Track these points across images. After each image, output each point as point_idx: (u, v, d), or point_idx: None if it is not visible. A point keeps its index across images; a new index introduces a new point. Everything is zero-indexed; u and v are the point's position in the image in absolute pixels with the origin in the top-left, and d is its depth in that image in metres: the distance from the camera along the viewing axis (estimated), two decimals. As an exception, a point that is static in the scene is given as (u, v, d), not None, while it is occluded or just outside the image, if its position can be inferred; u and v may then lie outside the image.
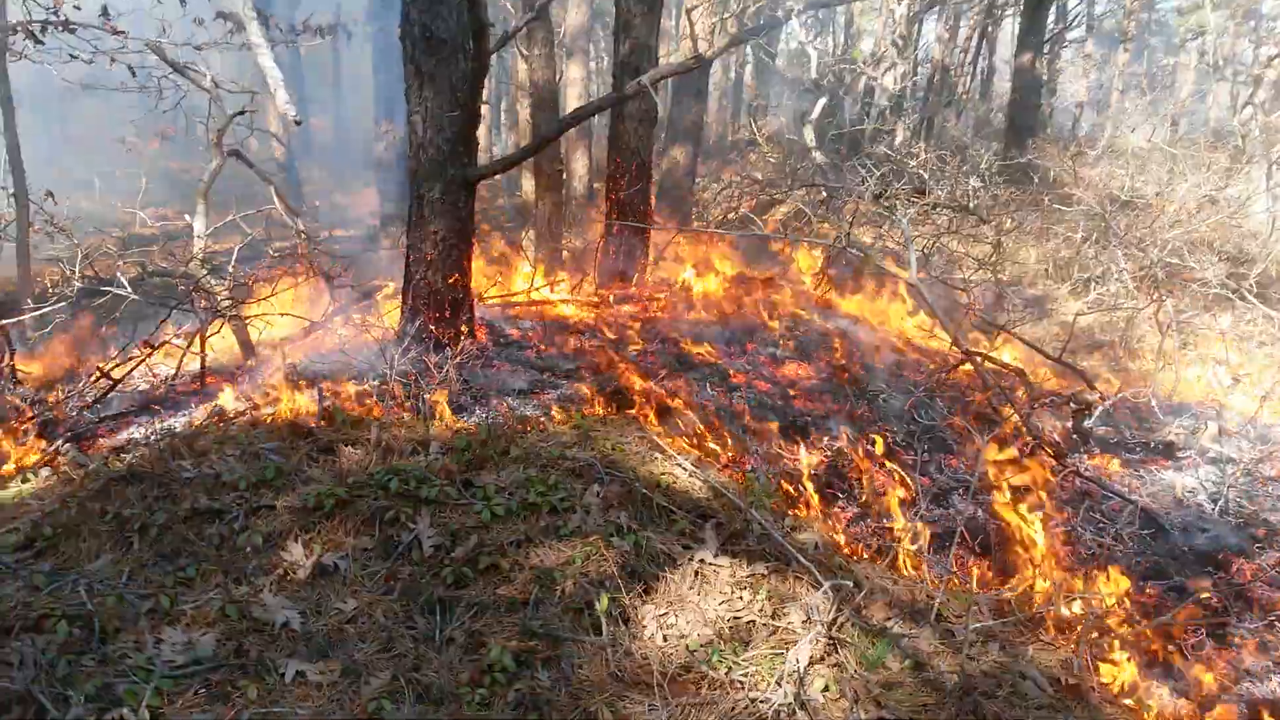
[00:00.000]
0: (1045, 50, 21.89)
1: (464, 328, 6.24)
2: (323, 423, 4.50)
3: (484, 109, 20.24)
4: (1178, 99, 28.70)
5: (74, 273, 7.57)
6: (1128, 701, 3.74)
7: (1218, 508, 5.20)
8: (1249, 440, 6.10)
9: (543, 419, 5.00)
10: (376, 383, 5.40)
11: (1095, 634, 3.85)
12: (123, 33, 8.25)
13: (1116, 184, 13.11)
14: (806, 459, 5.31)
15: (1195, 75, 29.64)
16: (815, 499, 4.92)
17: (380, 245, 13.01)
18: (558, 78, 11.58)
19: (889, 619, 3.85)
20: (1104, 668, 4.05)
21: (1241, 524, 5.07)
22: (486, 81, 6.18)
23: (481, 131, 20.15)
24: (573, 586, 3.53)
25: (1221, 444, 5.71)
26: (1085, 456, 5.57)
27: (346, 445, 4.25)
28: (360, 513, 3.72)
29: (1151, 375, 7.07)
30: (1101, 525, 4.92)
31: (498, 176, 20.10)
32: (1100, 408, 5.58)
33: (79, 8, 8.12)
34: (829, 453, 5.53)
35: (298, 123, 6.61)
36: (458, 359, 5.54)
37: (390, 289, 8.88)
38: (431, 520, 3.71)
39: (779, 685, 3.33)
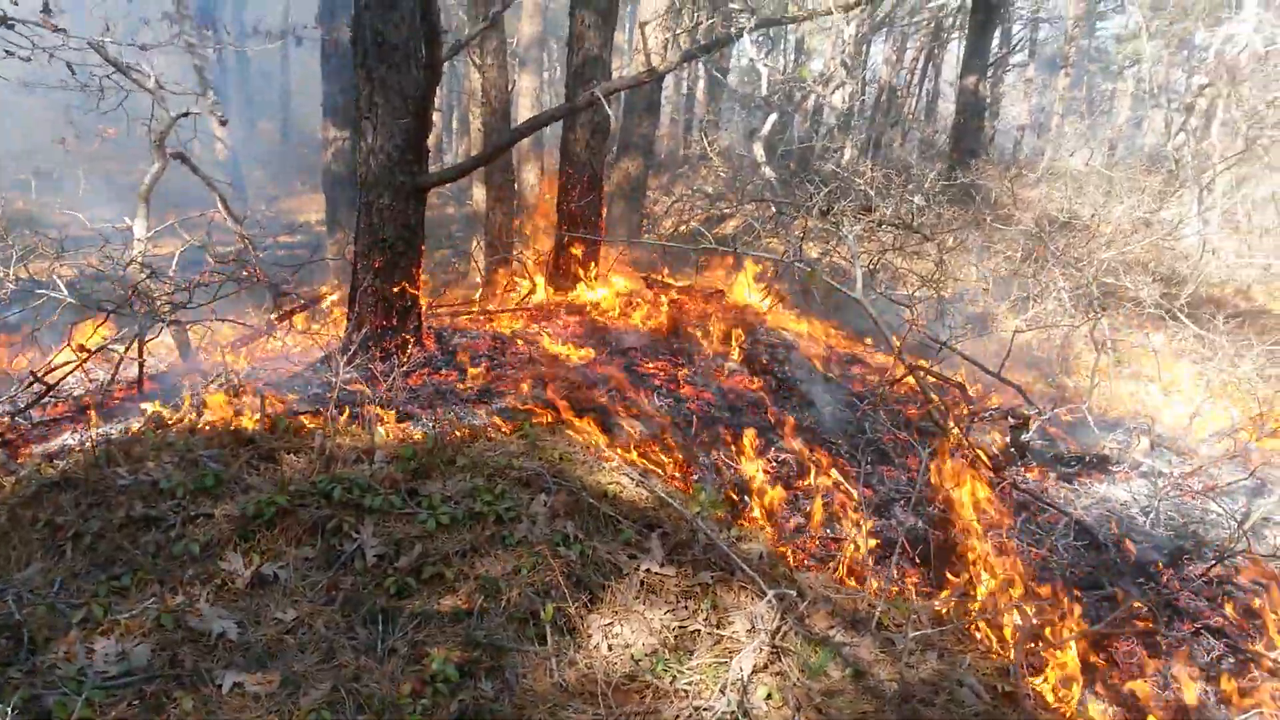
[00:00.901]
0: (989, 74, 22.43)
1: (411, 336, 6.19)
2: (265, 430, 4.43)
3: (435, 116, 20.13)
4: (1115, 124, 29.62)
5: (7, 274, 7.35)
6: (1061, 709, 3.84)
7: (1149, 520, 5.36)
8: (1179, 455, 6.30)
9: (490, 428, 4.98)
10: (321, 390, 5.33)
11: (1031, 643, 3.93)
12: (63, 30, 8.06)
13: (1055, 205, 13.49)
14: (752, 470, 5.37)
15: (1132, 101, 30.60)
16: (761, 509, 4.97)
17: (327, 251, 12.84)
18: (510, 87, 11.56)
19: (831, 628, 3.91)
20: (1039, 677, 4.16)
21: (1171, 536, 5.23)
22: (438, 89, 6.16)
23: (431, 140, 20.01)
24: (518, 596, 3.52)
25: (1152, 458, 5.90)
26: (1022, 470, 5.71)
27: (289, 453, 4.19)
28: (302, 522, 3.66)
29: (1086, 391, 7.29)
30: (1038, 537, 5.04)
31: (448, 186, 19.99)
32: (1036, 423, 5.73)
33: (16, 3, 7.91)
34: (774, 464, 5.59)
35: (223, 122, 6.49)
36: (404, 367, 5.49)
37: (337, 296, 8.78)
38: (375, 529, 3.67)
39: (722, 693, 3.36)
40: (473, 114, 12.62)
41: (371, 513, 3.74)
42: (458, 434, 4.57)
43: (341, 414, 4.58)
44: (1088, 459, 5.93)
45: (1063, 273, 9.35)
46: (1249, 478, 5.99)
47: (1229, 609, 4.73)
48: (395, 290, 6.05)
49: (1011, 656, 3.90)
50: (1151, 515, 5.36)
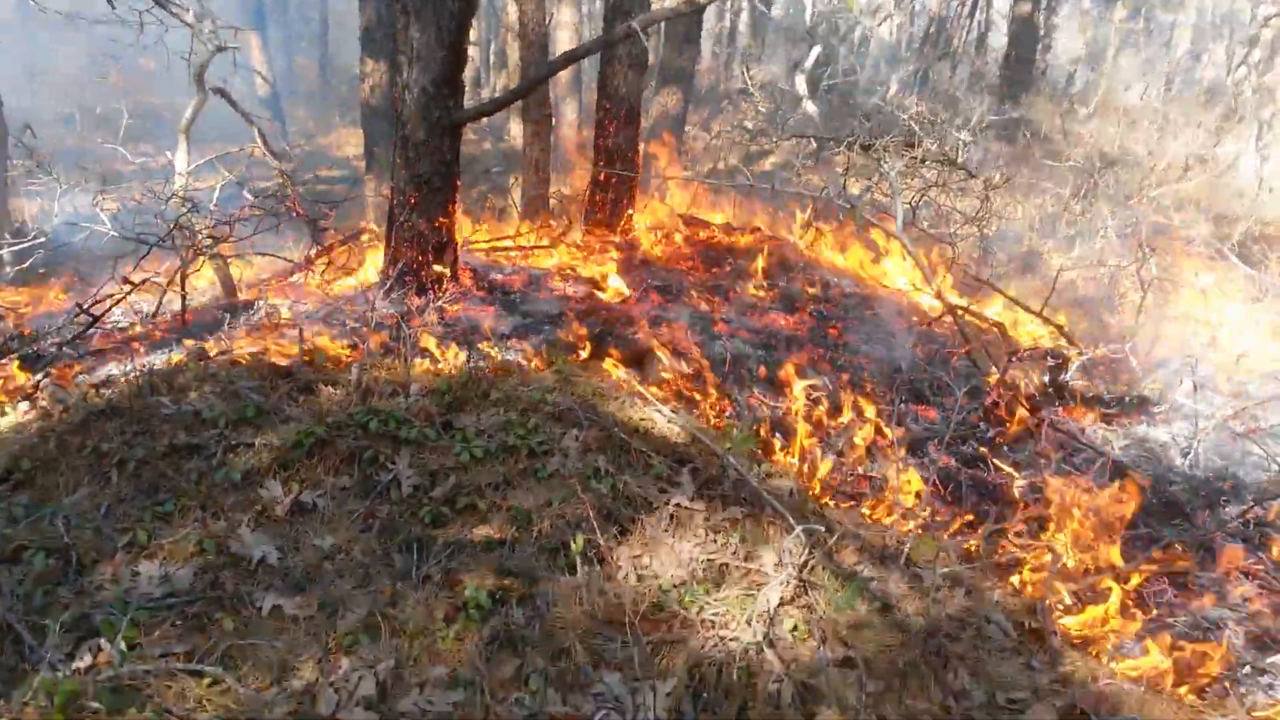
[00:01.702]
0: (1042, 4, 21.64)
1: (447, 271, 6.22)
2: (303, 363, 4.51)
3: (472, 51, 19.87)
4: (1173, 58, 28.50)
5: (53, 208, 7.47)
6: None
7: (1188, 462, 5.28)
8: (1223, 397, 6.18)
9: (524, 363, 5.02)
10: (358, 325, 5.39)
11: (1060, 581, 3.93)
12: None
13: (1106, 141, 13.08)
14: (784, 407, 5.37)
15: (1193, 34, 29.37)
16: (793, 446, 4.98)
17: (365, 187, 12.86)
18: (548, 20, 11.39)
19: (859, 563, 3.93)
20: (1075, 615, 4.16)
21: (1210, 478, 5.16)
22: (475, 22, 6.07)
23: (469, 75, 19.83)
24: (549, 527, 3.58)
25: (1195, 400, 5.79)
26: (1061, 410, 5.64)
27: (326, 386, 4.26)
28: (339, 452, 3.74)
29: (1131, 331, 7.14)
30: (1073, 478, 4.99)
31: (485, 121, 19.85)
32: (1076, 363, 5.64)
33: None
34: (809, 402, 5.57)
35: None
36: (440, 302, 5.53)
37: (375, 231, 8.82)
38: (410, 461, 3.74)
39: (749, 625, 3.41)
40: (510, 48, 12.47)
41: (407, 444, 3.81)
42: (491, 369, 4.62)
43: (378, 347, 4.64)
44: (1128, 400, 5.84)
45: (1111, 210, 9.10)
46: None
47: (1273, 549, 4.68)
48: (431, 226, 6.06)
49: (1040, 594, 3.90)
50: (1190, 457, 5.29)
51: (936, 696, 3.30)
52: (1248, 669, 4.03)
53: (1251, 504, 4.99)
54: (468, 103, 6.34)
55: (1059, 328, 6.26)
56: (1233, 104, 16.58)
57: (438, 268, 6.09)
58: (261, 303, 6.35)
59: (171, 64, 10.16)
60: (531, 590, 3.31)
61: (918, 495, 4.59)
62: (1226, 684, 3.88)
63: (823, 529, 3.96)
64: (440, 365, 4.81)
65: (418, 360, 4.62)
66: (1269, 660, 4.01)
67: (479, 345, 5.26)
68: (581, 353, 5.56)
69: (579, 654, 3.13)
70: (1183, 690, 3.80)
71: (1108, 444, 5.35)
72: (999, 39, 27.75)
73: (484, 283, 6.76)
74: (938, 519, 4.63)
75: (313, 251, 7.93)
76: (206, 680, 2.69)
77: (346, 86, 26.32)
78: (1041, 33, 22.78)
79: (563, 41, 16.14)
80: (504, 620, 3.16)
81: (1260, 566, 4.61)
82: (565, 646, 3.14)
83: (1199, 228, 9.41)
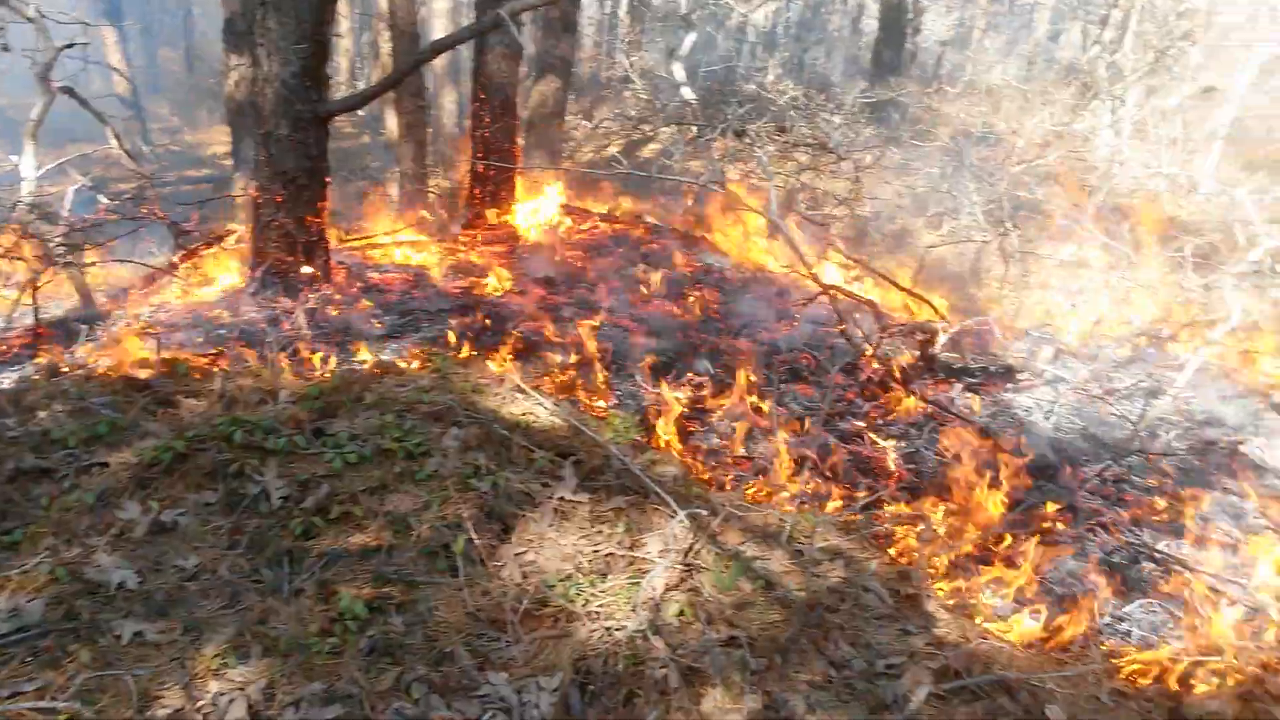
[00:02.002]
0: (909, -13, 22.32)
1: (318, 271, 6.03)
2: (163, 374, 4.31)
3: (346, 42, 19.27)
4: (1033, 38, 29.83)
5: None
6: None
7: (1051, 425, 5.56)
8: (1082, 362, 6.52)
9: (401, 363, 4.91)
10: (224, 331, 5.19)
11: (931, 546, 4.08)
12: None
13: (972, 121, 13.60)
14: (668, 393, 5.41)
15: (1051, 15, 30.75)
16: (675, 432, 5.02)
17: (233, 186, 12.37)
18: (419, 9, 11.12)
19: (743, 543, 3.99)
20: (947, 579, 4.33)
21: (1071, 439, 5.44)
22: (349, 13, 5.89)
23: (344, 66, 19.17)
24: (429, 531, 3.52)
25: (1056, 366, 6.10)
26: (931, 382, 5.86)
27: (188, 397, 4.08)
28: (201, 467, 3.59)
29: (996, 303, 7.46)
30: (945, 446, 5.20)
31: (360, 114, 19.33)
32: (944, 336, 5.87)
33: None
34: (691, 387, 5.63)
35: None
36: (311, 303, 5.37)
37: (242, 233, 8.48)
38: (279, 471, 3.61)
39: (634, 613, 3.43)
40: (382, 38, 12.14)
41: (275, 454, 3.68)
42: (367, 370, 4.50)
43: (244, 354, 4.47)
44: (994, 369, 6.10)
45: (976, 188, 9.48)
46: (1147, 380, 6.24)
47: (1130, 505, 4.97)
48: (299, 224, 5.87)
49: (913, 561, 4.04)
50: (1053, 420, 5.56)
51: (818, 668, 3.39)
52: (1108, 619, 4.26)
53: (1109, 462, 5.29)
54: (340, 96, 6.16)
55: (928, 302, 6.50)
56: (1088, 81, 17.45)
57: (308, 268, 5.90)
58: (120, 312, 6.04)
59: (15, 62, 9.54)
60: (412, 596, 3.25)
61: (797, 473, 4.69)
62: (1089, 635, 4.10)
63: (706, 512, 4.01)
64: (312, 370, 4.67)
65: (287, 365, 4.47)
66: (1126, 609, 4.25)
67: (352, 346, 5.12)
68: (462, 349, 5.48)
69: (463, 657, 3.09)
70: (1050, 644, 4.00)
71: (975, 412, 5.58)
72: (872, 23, 28.53)
73: (360, 281, 6.58)
74: (818, 494, 4.75)
75: (176, 256, 7.58)
76: (62, 718, 2.55)
77: (214, 81, 25.23)
78: (910, 16, 23.50)
79: (437, 31, 15.80)
80: (383, 629, 3.09)
81: (1118, 521, 4.89)
82: (448, 651, 3.09)
83: (1058, 201, 9.88)
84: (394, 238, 8.25)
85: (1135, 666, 3.92)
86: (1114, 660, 3.96)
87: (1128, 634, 4.14)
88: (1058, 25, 30.57)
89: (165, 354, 4.39)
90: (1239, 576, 4.52)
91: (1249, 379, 6.93)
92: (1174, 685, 3.84)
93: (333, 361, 4.80)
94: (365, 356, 5.00)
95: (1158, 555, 4.61)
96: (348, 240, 7.83)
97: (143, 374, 4.26)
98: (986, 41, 26.89)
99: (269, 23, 5.67)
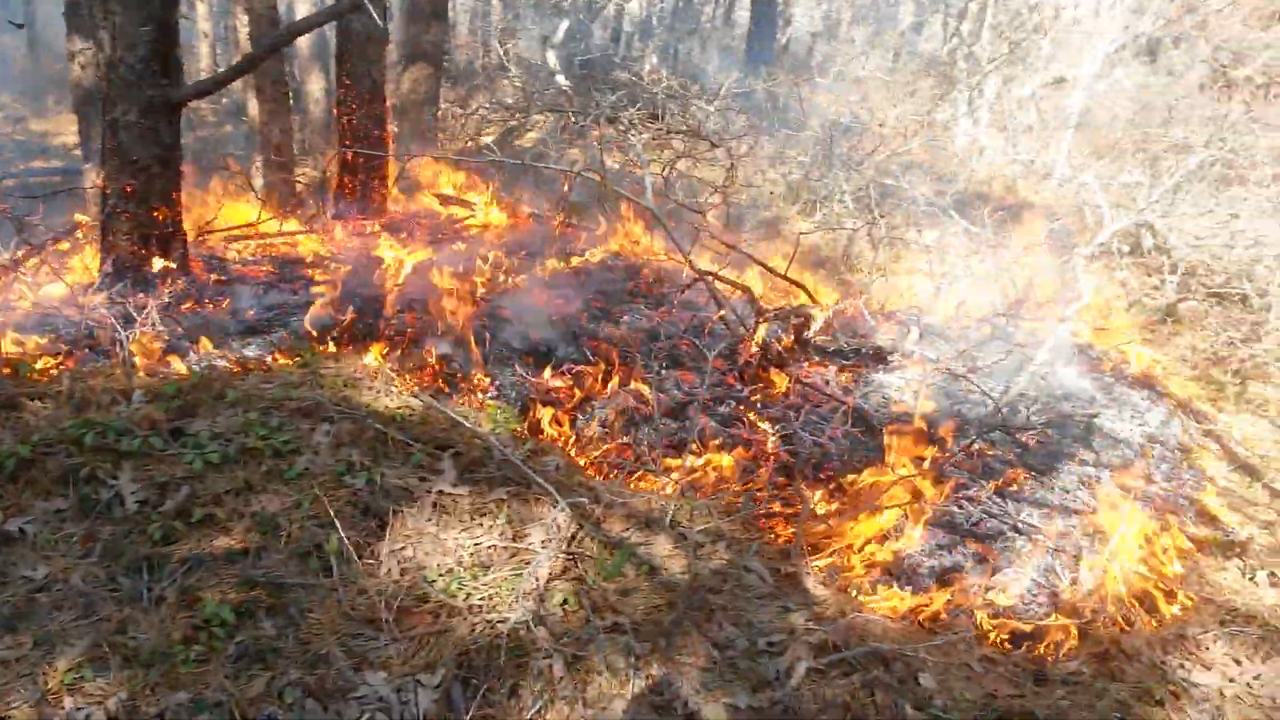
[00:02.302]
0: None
1: (174, 265, 5.72)
2: (4, 376, 4.01)
3: (205, 25, 18.38)
4: (898, 30, 30.87)
5: None
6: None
7: (918, 404, 5.77)
8: (946, 342, 6.80)
9: (267, 359, 4.72)
10: (73, 330, 4.87)
11: (808, 524, 4.18)
12: None
13: (841, 111, 14.00)
14: (547, 384, 5.38)
15: (915, 7, 31.86)
16: (555, 422, 4.99)
17: (84, 176, 11.62)
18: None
19: (627, 530, 4.01)
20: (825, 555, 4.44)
21: (939, 416, 5.66)
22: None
23: (205, 52, 18.21)
24: (299, 531, 3.39)
25: (922, 347, 6.34)
26: (806, 365, 6.01)
27: (33, 399, 3.81)
28: (50, 472, 3.36)
29: (865, 288, 7.71)
30: (820, 426, 5.34)
31: (223, 101, 18.47)
32: (818, 320, 6.03)
33: None
34: (570, 376, 5.61)
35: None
36: (166, 299, 5.09)
37: (92, 226, 7.98)
38: (135, 474, 3.42)
39: (518, 604, 3.40)
40: (240, 22, 11.61)
41: (130, 456, 3.48)
42: (227, 367, 4.30)
43: (94, 353, 4.21)
44: (865, 351, 6.30)
45: (845, 176, 9.75)
46: (1007, 359, 6.56)
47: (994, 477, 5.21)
48: (151, 216, 5.56)
49: (792, 539, 4.13)
50: (920, 399, 5.78)
51: (702, 649, 3.43)
52: (976, 588, 4.46)
53: (974, 437, 5.53)
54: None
55: (802, 287, 6.66)
56: (948, 72, 18.20)
57: (162, 261, 5.59)
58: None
59: None
60: (283, 599, 3.13)
61: (678, 457, 4.73)
62: (959, 605, 4.28)
63: (588, 501, 4.01)
64: (169, 367, 4.43)
65: (141, 363, 4.23)
66: (994, 579, 4.46)
67: (213, 341, 4.89)
68: (330, 344, 5.30)
69: (339, 658, 2.99)
70: (922, 615, 4.17)
71: (849, 393, 5.75)
72: (744, 15, 28.98)
73: (222, 274, 6.29)
74: (700, 479, 4.79)
75: (20, 252, 7.06)
76: (-106, 747, 2.35)
77: (60, 67, 23.62)
78: (781, 7, 24.00)
79: (300, 14, 15.22)
80: (253, 634, 2.97)
81: (983, 493, 5.13)
82: (323, 653, 2.99)
83: (922, 188, 10.27)
84: (259, 229, 7.91)
85: (1004, 634, 4.12)
86: (983, 628, 4.14)
87: (995, 603, 4.33)
88: (920, 17, 31.71)
89: (8, 354, 4.09)
90: (1095, 544, 4.80)
91: (1101, 354, 7.38)
92: (1039, 649, 4.06)
93: (191, 358, 4.56)
94: (228, 352, 4.78)
95: (1021, 526, 4.85)
96: (209, 232, 7.46)
97: (-21, 377, 3.96)
98: (854, 33, 27.68)
99: (112, 5, 5.33)
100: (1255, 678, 3.97)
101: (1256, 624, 4.30)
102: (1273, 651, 4.14)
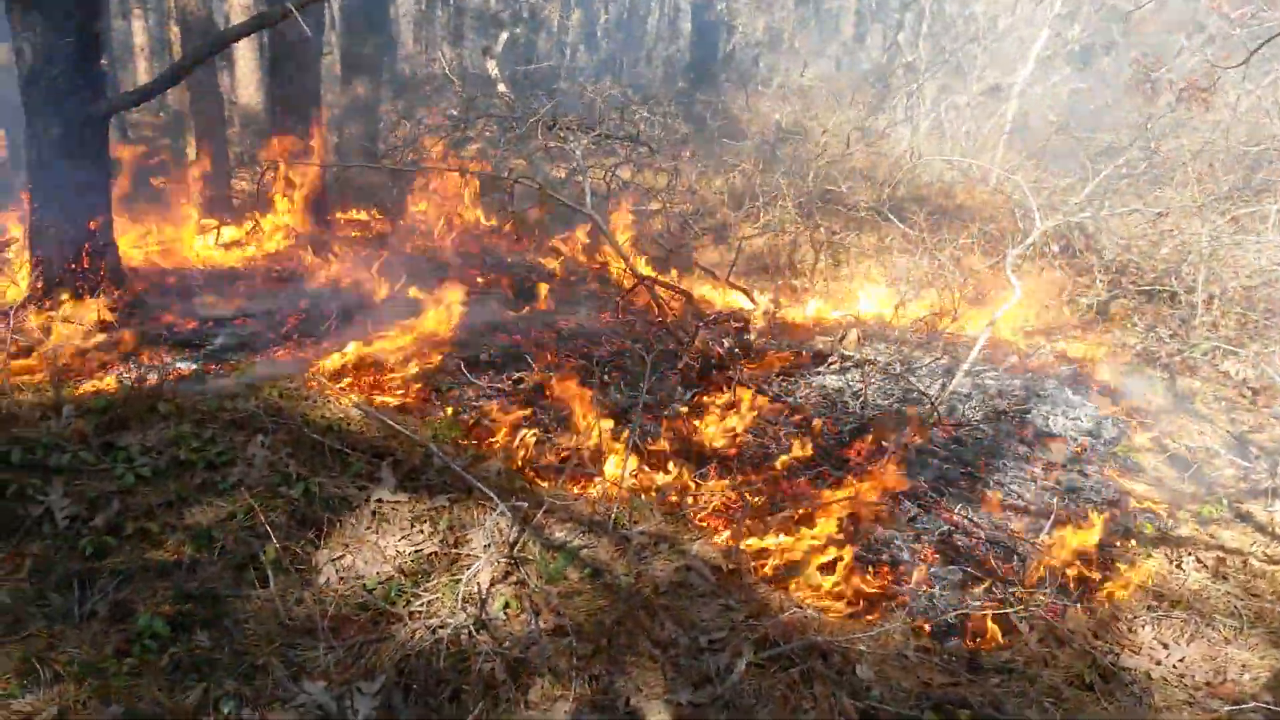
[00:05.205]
0: (721, -10, 23.01)
1: (106, 277, 5.61)
2: (-74, 395, 3.92)
3: (142, 39, 18.04)
4: (840, 40, 31.34)
5: None
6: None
7: (858, 403, 5.87)
8: (885, 343, 6.92)
9: (200, 371, 4.66)
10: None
11: (747, 522, 4.24)
12: None
13: (784, 119, 14.20)
14: (486, 391, 5.37)
15: (855, 18, 32.36)
16: (499, 430, 4.99)
17: (14, 189, 11.34)
18: (209, 1, 10.48)
19: (569, 533, 4.02)
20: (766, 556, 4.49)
21: (876, 414, 5.77)
22: (140, 11, 5.48)
23: (142, 67, 17.80)
24: (234, 542, 3.36)
25: (861, 348, 6.45)
26: (747, 366, 6.07)
27: (-44, 417, 3.73)
28: (-25, 490, 3.30)
29: (808, 291, 7.82)
30: (763, 427, 5.41)
31: (160, 114, 18.12)
32: (760, 323, 6.10)
33: None
34: (512, 383, 5.61)
35: None
36: (96, 311, 4.99)
37: (20, 240, 7.80)
38: (65, 490, 3.36)
39: (460, 610, 3.40)
40: (171, 33, 11.42)
41: (60, 472, 3.42)
42: (159, 379, 4.25)
43: (21, 368, 4.13)
44: (805, 353, 6.39)
45: (788, 182, 9.89)
46: (944, 358, 6.70)
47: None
48: (81, 229, 5.44)
49: (731, 538, 4.18)
50: (860, 399, 5.88)
51: (645, 648, 3.46)
52: (911, 584, 4.54)
53: (910, 435, 5.64)
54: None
55: (745, 291, 6.74)
56: (889, 81, 18.55)
57: (93, 275, 5.48)
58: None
59: None
60: (218, 610, 3.10)
61: (622, 460, 4.76)
62: (894, 597, 4.36)
63: (529, 505, 4.02)
64: (100, 381, 4.36)
65: (70, 379, 4.15)
66: (932, 571, 4.55)
67: (144, 355, 4.81)
68: (271, 355, 5.25)
69: (276, 668, 2.97)
70: (859, 607, 4.23)
71: (789, 394, 5.83)
72: (688, 26, 29.20)
73: (157, 289, 6.18)
74: (642, 481, 4.82)
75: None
76: None
77: (-13, 79, 22.99)
78: (724, 18, 24.24)
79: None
80: (187, 646, 2.94)
81: (920, 490, 5.23)
82: (260, 663, 2.97)
83: (862, 194, 10.45)
84: (193, 244, 7.78)
85: (938, 623, 4.21)
86: (914, 624, 4.22)
87: (932, 597, 4.42)
88: (861, 28, 32.20)
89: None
90: (1028, 532, 4.92)
91: (1035, 351, 7.56)
92: (972, 640, 4.15)
93: (121, 371, 4.49)
94: (160, 364, 4.71)
95: (957, 520, 4.96)
96: (142, 245, 7.33)
97: (-100, 395, 3.86)
98: (797, 44, 28.04)
99: (31, 16, 5.21)
100: (1180, 660, 4.12)
101: (1182, 608, 4.44)
102: (1197, 635, 4.29)
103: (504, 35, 15.95)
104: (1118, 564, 4.84)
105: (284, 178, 7.98)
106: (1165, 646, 4.21)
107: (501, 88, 13.12)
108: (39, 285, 5.37)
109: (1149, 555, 5.05)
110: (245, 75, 15.43)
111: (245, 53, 13.13)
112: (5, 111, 11.53)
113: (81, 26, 5.21)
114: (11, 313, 4.91)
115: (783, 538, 4.35)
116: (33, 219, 5.54)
